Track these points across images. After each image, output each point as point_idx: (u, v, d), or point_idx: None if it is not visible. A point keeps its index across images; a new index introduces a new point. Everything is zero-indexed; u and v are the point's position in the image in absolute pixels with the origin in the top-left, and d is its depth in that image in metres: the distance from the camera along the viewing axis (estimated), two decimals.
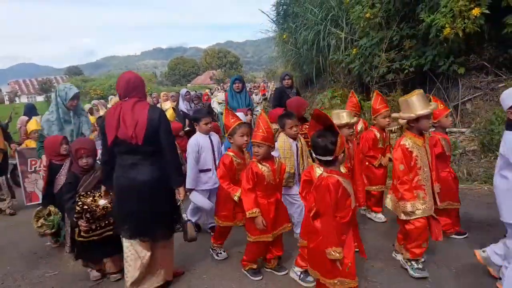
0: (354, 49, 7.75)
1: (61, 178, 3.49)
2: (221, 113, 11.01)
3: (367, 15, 6.79)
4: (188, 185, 3.65)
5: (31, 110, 7.48)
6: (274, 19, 12.39)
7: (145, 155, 2.71)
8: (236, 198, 3.05)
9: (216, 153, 3.90)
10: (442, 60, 6.23)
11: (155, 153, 2.72)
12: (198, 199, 3.76)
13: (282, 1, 11.64)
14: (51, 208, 3.65)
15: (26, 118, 6.42)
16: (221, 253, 3.51)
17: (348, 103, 4.48)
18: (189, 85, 44.84)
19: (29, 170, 5.73)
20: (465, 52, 6.30)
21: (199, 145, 3.78)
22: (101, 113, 8.03)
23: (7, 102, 43.04)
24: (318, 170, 2.59)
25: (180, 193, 2.88)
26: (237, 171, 3.17)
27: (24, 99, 46.28)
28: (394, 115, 3.13)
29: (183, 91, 7.23)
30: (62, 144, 3.64)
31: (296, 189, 3.42)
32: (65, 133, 3.95)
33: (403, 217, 2.84)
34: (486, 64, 6.24)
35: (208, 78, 46.86)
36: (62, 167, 3.60)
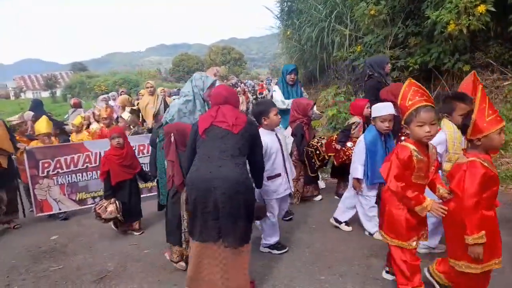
0: (359, 46, 7.72)
1: None
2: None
3: (372, 12, 6.75)
4: None
5: (37, 106, 7.19)
6: (278, 16, 12.36)
7: (233, 150, 2.53)
8: (420, 211, 2.26)
9: (285, 153, 3.31)
10: (447, 57, 6.19)
11: (242, 153, 2.58)
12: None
13: None
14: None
15: (32, 113, 6.29)
16: None
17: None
18: None
19: (40, 174, 4.81)
20: (471, 50, 6.27)
21: (267, 146, 3.12)
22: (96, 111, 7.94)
23: (12, 98, 43.30)
24: None
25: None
26: (416, 171, 2.29)
27: (29, 95, 46.53)
28: None
29: None
30: None
31: None
32: None
33: None
34: (491, 61, 6.19)
35: (212, 74, 46.78)
36: None
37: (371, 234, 3.59)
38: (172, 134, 3.10)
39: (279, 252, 3.39)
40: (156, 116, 6.72)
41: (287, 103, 5.01)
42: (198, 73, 3.72)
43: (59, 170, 4.89)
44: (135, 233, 4.16)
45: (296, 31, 10.56)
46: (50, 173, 4.85)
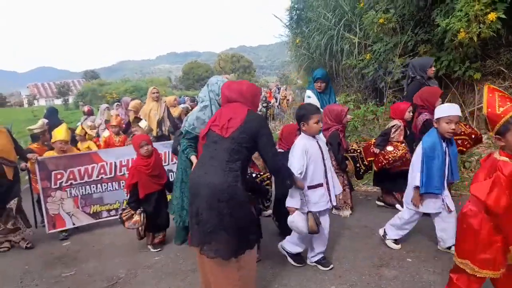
0: (368, 54, 7.72)
1: None
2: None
3: (381, 20, 6.76)
4: (290, 203, 2.87)
5: (52, 114, 7.10)
6: (288, 24, 12.42)
7: (223, 155, 2.40)
8: None
9: (326, 161, 3.02)
10: (457, 65, 6.15)
11: (233, 158, 2.40)
12: (298, 223, 2.82)
13: (296, 6, 11.67)
14: None
15: (46, 121, 6.25)
16: None
17: None
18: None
19: (53, 186, 4.47)
20: (482, 57, 6.22)
21: (307, 151, 2.89)
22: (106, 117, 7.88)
23: (26, 105, 44.12)
24: None
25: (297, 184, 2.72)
26: None
27: (42, 102, 47.37)
28: None
29: None
30: None
31: None
32: None
33: None
34: (503, 69, 6.13)
35: None
36: None
37: (384, 237, 3.51)
38: None
39: (295, 263, 3.26)
40: (160, 123, 6.52)
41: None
42: (215, 77, 3.59)
43: (73, 181, 4.62)
44: (152, 249, 3.91)
45: (305, 39, 10.60)
46: (63, 184, 4.56)
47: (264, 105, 14.62)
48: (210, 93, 3.44)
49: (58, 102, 40.89)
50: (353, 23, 8.65)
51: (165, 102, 7.13)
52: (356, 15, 8.45)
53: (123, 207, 4.19)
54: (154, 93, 6.70)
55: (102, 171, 4.75)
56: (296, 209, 2.84)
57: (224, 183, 2.34)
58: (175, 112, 7.62)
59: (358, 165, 4.33)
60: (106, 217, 4.82)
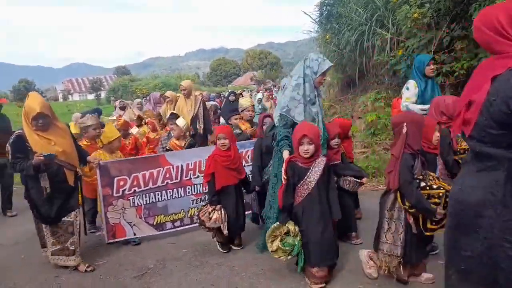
0: (400, 50, 7.50)
1: (308, 181, 2.75)
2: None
3: (415, 15, 6.56)
4: None
5: (94, 112, 6.28)
6: (317, 20, 12.27)
7: (476, 159, 1.57)
8: None
9: None
10: None
11: (483, 167, 1.51)
12: None
13: (326, 1, 11.51)
14: (290, 226, 2.80)
15: (80, 115, 5.97)
16: None
17: None
18: (230, 85, 45.66)
19: (115, 194, 3.97)
20: None
21: None
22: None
23: (61, 100, 46.05)
24: None
25: None
26: None
27: (76, 97, 49.27)
28: None
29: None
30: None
31: None
32: (307, 117, 3.07)
33: None
34: None
35: (249, 79, 47.34)
36: (310, 170, 2.76)
37: None
38: (404, 125, 2.55)
39: None
40: (193, 120, 5.92)
41: (427, 109, 3.61)
42: (315, 53, 3.23)
43: (136, 188, 4.07)
44: (234, 247, 3.77)
45: (335, 35, 10.45)
46: (126, 193, 4.04)
47: None
48: (307, 69, 3.09)
49: (91, 97, 42.40)
50: (386, 18, 8.44)
51: (201, 97, 6.51)
52: (389, 10, 8.24)
53: (197, 210, 3.97)
54: (181, 90, 6.14)
55: (167, 175, 4.22)
56: None
57: (459, 190, 1.63)
58: None
59: None
60: (170, 228, 4.29)
